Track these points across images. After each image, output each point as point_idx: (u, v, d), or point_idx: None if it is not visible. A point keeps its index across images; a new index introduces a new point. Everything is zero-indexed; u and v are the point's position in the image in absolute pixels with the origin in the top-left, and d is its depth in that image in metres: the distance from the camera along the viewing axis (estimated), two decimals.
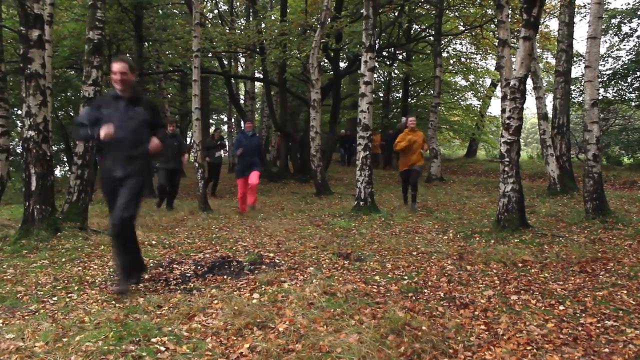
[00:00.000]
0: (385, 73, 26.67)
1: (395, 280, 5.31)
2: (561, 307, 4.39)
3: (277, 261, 6.21)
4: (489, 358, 3.40)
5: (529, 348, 3.54)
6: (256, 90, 28.18)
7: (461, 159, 26.63)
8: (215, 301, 4.58)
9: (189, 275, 5.79)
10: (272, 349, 3.45)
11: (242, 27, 21.16)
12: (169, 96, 25.83)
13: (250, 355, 3.43)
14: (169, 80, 24.94)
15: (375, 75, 26.31)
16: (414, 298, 4.70)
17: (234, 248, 7.06)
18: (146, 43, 18.34)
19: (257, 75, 22.55)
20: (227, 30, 18.18)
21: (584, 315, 4.21)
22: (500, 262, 5.94)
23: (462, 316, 4.16)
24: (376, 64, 23.61)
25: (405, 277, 5.41)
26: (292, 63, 17.64)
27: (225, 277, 5.63)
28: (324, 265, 5.93)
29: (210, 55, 19.99)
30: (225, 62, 23.47)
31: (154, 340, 3.65)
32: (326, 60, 18.66)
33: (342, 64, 21.24)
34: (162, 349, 3.53)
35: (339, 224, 8.91)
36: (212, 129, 20.37)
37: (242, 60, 25.31)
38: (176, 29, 17.72)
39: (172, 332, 3.82)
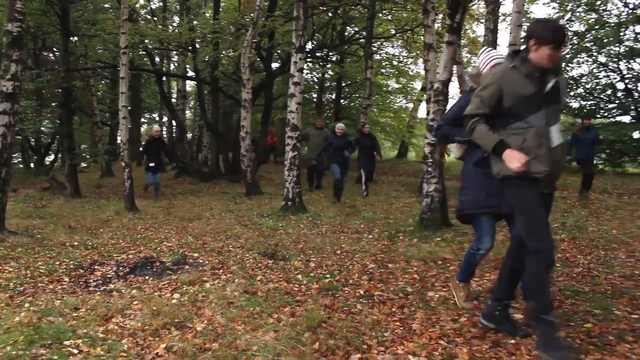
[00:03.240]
0: (319, 74, 26.84)
1: (317, 279, 5.38)
2: (475, 302, 4.56)
3: (201, 261, 6.18)
4: (401, 352, 3.50)
5: (440, 342, 3.67)
6: (188, 89, 27.79)
7: (392, 160, 27.10)
8: (135, 302, 4.53)
9: (110, 276, 5.70)
10: (189, 349, 3.45)
11: (175, 24, 20.83)
12: (99, 93, 25.07)
13: (166, 356, 3.42)
14: (98, 77, 24.16)
15: (308, 76, 26.56)
16: (333, 296, 4.78)
17: (158, 248, 6.98)
18: (74, 37, 17.70)
19: (189, 73, 22.24)
20: (160, 27, 17.85)
21: None
22: (421, 260, 6.11)
23: (379, 313, 4.27)
24: (310, 64, 23.86)
25: (328, 276, 5.49)
26: (224, 61, 17.50)
27: (147, 277, 5.57)
28: (248, 265, 5.94)
29: (141, 52, 19.56)
30: (157, 60, 23.05)
31: (66, 343, 3.58)
32: (259, 60, 18.62)
33: (275, 65, 21.26)
34: (75, 351, 3.47)
35: (267, 224, 8.92)
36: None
37: (175, 58, 24.91)
38: (106, 24, 17.22)
39: (87, 334, 3.76)
